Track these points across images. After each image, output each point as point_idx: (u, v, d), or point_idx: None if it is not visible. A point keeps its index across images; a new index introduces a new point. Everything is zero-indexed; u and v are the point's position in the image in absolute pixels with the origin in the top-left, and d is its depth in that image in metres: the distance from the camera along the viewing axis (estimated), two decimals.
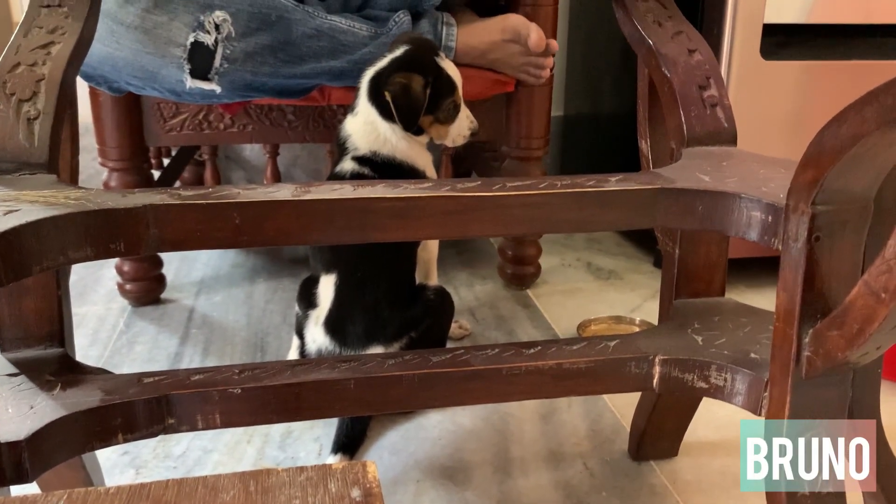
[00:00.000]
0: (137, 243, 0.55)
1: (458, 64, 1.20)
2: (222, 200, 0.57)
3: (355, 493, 0.40)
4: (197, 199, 0.57)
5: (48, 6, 0.73)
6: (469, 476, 0.88)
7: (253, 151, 1.80)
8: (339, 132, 1.03)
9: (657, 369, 0.68)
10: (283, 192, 0.60)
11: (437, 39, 1.17)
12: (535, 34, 1.16)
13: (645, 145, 0.84)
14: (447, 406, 0.94)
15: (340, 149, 1.02)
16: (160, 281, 1.31)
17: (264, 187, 0.60)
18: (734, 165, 0.70)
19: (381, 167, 0.98)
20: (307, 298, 1.00)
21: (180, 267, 1.46)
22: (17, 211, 0.53)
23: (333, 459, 0.89)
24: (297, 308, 1.03)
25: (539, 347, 0.68)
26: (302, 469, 0.41)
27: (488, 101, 1.28)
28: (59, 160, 0.66)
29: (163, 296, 1.33)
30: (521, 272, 1.39)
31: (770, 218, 0.60)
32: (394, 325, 0.96)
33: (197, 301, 1.33)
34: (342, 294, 0.97)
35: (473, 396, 0.67)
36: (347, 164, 0.99)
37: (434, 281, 1.12)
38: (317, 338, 0.97)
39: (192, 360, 1.13)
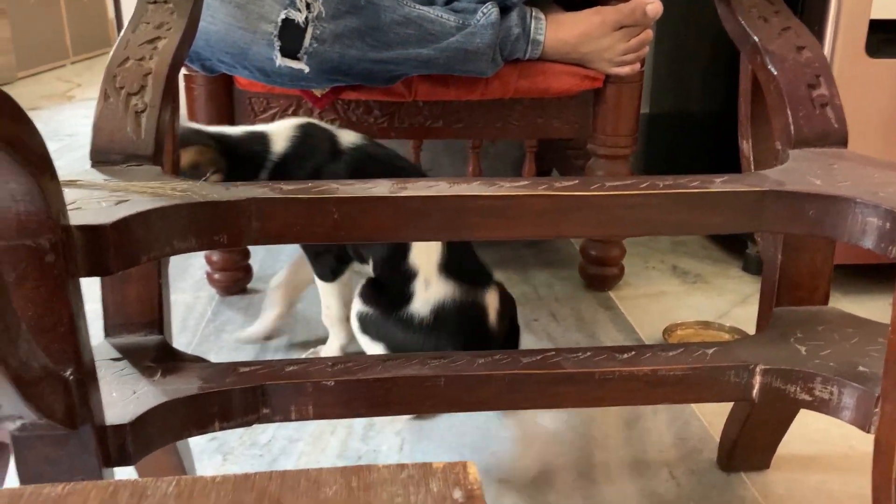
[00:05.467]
0: (240, 236, 0.56)
1: (546, 59, 1.20)
2: (322, 195, 0.58)
3: (457, 493, 0.39)
4: (298, 193, 0.57)
5: (155, 2, 0.75)
6: (551, 479, 0.87)
7: None
8: None
9: (758, 379, 0.65)
10: (381, 188, 0.60)
11: (526, 34, 1.16)
12: (651, 3, 1.14)
13: (746, 146, 0.81)
14: (536, 408, 0.93)
15: None
16: (247, 271, 1.34)
17: (362, 183, 0.61)
18: (846, 168, 0.66)
19: None
20: (388, 293, 1.01)
21: (266, 258, 1.49)
22: (126, 201, 0.55)
23: None
24: (364, 309, 1.01)
25: (633, 352, 0.66)
26: (402, 466, 0.41)
27: (574, 98, 1.26)
28: (163, 152, 0.68)
29: (249, 286, 1.36)
30: (603, 273, 1.36)
31: (888, 225, 0.56)
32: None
33: None
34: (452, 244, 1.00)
35: (563, 400, 0.66)
36: None
37: None
38: (435, 290, 0.97)
39: (276, 350, 1.15)
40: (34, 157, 0.45)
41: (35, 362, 0.47)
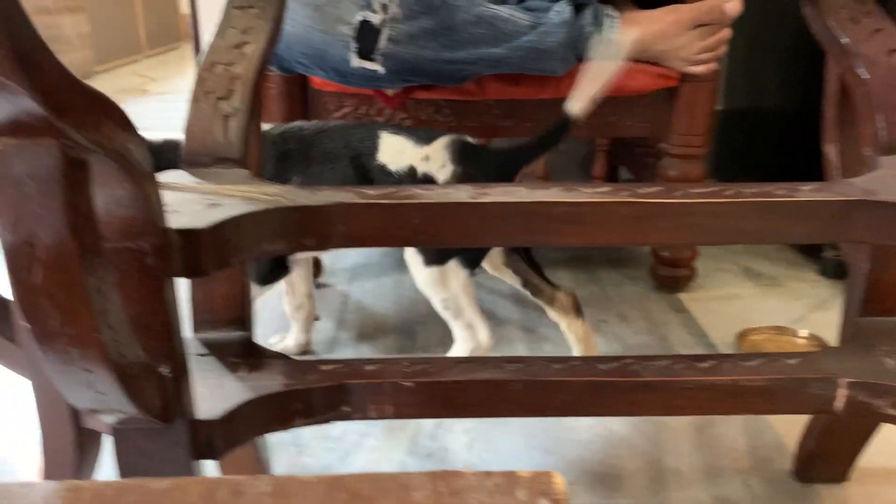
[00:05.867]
0: (326, 239, 0.58)
1: None
2: (404, 201, 0.59)
3: (543, 503, 0.40)
4: (381, 198, 0.59)
5: (241, 7, 0.77)
6: (621, 483, 0.87)
7: None
8: None
9: (842, 392, 0.64)
10: (462, 193, 0.61)
11: (599, 31, 1.15)
12: (730, 1, 1.12)
13: (833, 151, 0.78)
14: (613, 416, 0.93)
15: None
16: (318, 266, 1.37)
17: (443, 188, 0.61)
18: None
19: None
20: None
21: (334, 253, 1.52)
22: (219, 205, 0.57)
23: None
24: None
25: (714, 362, 0.65)
26: (488, 474, 0.42)
27: (648, 97, 1.24)
28: (249, 156, 0.70)
29: (320, 280, 1.39)
30: (674, 275, 1.35)
31: None
32: None
33: (350, 287, 1.38)
34: None
35: (641, 408, 0.65)
36: None
37: None
38: (439, 167, 0.93)
39: (346, 344, 1.17)
40: (139, 165, 0.47)
41: (136, 359, 0.49)
